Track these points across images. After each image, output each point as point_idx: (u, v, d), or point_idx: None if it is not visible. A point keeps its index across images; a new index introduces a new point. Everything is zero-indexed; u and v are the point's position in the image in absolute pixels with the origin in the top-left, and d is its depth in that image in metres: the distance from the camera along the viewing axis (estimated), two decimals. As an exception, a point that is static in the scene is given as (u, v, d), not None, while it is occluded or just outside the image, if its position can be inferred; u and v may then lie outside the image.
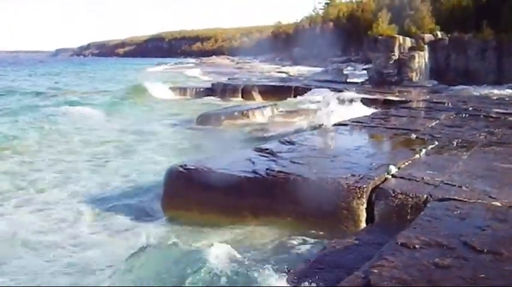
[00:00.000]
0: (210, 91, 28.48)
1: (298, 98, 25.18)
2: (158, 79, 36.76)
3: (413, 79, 30.56)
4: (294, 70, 53.51)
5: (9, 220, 7.69)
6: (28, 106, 23.57)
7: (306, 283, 4.68)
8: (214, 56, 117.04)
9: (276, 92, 26.61)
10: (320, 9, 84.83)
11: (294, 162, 7.94)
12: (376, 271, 3.96)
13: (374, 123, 12.48)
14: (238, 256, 5.43)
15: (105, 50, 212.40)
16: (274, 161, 8.06)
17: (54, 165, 11.56)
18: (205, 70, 56.96)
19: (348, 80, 35.77)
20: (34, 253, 6.47)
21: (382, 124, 12.40)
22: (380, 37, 32.58)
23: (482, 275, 3.89)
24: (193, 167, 7.84)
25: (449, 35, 35.02)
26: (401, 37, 32.24)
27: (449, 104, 17.79)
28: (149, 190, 8.97)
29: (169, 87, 30.19)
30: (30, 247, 6.62)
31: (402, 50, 31.42)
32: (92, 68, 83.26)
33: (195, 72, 54.41)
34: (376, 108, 18.27)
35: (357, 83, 33.04)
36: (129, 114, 20.93)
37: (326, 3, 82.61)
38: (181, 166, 7.98)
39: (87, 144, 14.16)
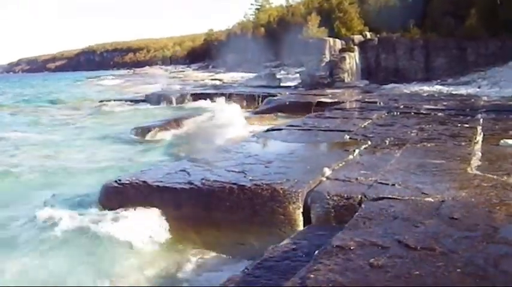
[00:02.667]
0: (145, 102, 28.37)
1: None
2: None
3: (346, 80, 31.02)
4: (228, 77, 53.64)
5: None
6: None
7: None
8: (147, 67, 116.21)
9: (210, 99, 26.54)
10: (251, 15, 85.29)
11: (229, 170, 7.92)
12: (312, 275, 3.96)
13: (308, 126, 12.57)
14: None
15: (36, 66, 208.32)
16: (209, 170, 8.02)
17: None
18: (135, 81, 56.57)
19: (282, 84, 36.08)
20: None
21: (315, 127, 12.50)
22: (311, 40, 33.01)
23: (417, 273, 3.94)
24: (127, 182, 7.74)
25: (378, 35, 35.74)
26: (331, 39, 32.71)
27: (381, 103, 18.14)
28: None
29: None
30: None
31: (333, 52, 31.86)
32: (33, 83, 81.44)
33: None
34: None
35: (290, 86, 33.31)
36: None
37: (256, 9, 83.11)
38: (115, 181, 7.88)
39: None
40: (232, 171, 7.86)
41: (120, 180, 7.87)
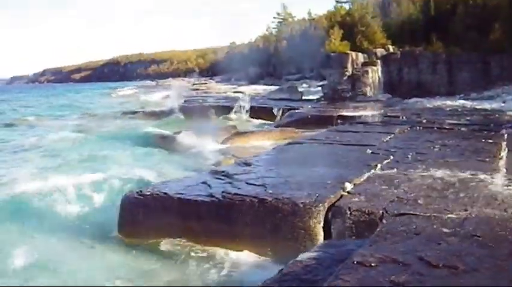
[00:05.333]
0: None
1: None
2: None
3: (368, 94, 30.88)
4: (250, 89, 53.62)
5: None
6: None
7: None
8: (170, 78, 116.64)
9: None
10: (273, 28, 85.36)
11: (250, 183, 7.90)
12: (333, 291, 3.93)
13: (329, 140, 12.52)
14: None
15: (61, 76, 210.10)
16: (230, 183, 8.01)
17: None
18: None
19: (303, 98, 36.00)
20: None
21: (337, 141, 12.44)
22: (333, 54, 32.90)
23: (439, 291, 3.89)
24: (149, 193, 7.77)
25: (400, 49, 35.58)
26: (353, 53, 32.60)
27: (404, 117, 18.02)
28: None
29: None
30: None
31: (355, 66, 31.77)
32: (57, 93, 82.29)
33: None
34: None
35: (312, 100, 33.24)
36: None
37: (279, 22, 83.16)
38: (137, 192, 7.91)
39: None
40: (253, 184, 7.84)
41: (141, 191, 7.90)
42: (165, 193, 7.69)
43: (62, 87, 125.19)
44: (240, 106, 27.37)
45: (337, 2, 65.22)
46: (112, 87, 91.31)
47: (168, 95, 45.91)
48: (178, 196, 7.57)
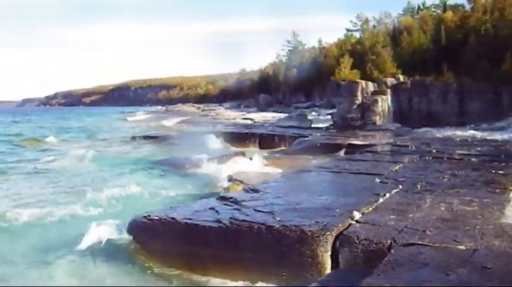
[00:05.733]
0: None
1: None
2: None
3: (377, 123, 30.89)
4: (259, 117, 53.72)
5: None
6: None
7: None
8: (180, 104, 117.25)
9: (240, 139, 26.50)
10: (283, 55, 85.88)
11: (257, 210, 7.86)
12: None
13: (338, 169, 12.48)
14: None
15: (72, 99, 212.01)
16: (238, 209, 7.98)
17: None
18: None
19: (313, 126, 36.01)
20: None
21: (346, 169, 12.39)
22: (343, 82, 33.02)
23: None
24: (156, 218, 7.75)
25: (411, 78, 35.67)
26: (363, 82, 32.71)
27: (413, 147, 17.96)
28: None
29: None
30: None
31: (365, 95, 31.84)
32: (69, 117, 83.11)
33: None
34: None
35: (321, 128, 33.26)
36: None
37: (289, 50, 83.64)
38: (145, 217, 7.89)
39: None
40: (261, 211, 7.80)
41: (149, 216, 7.88)
42: (173, 218, 7.66)
43: (74, 110, 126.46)
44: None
45: (347, 30, 65.98)
46: (123, 112, 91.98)
47: (182, 120, 46.63)
48: (186, 221, 7.54)
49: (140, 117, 69.06)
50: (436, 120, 31.78)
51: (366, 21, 61.86)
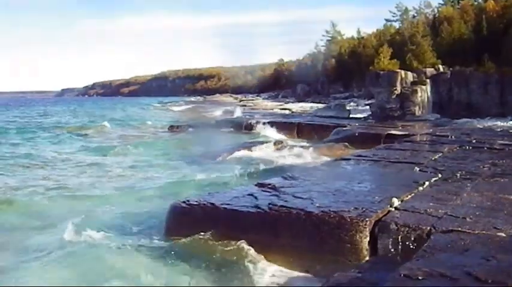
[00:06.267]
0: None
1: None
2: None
3: (416, 113, 30.60)
4: (297, 107, 53.67)
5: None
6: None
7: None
8: (218, 94, 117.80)
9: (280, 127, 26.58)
10: (322, 46, 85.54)
11: (296, 196, 7.90)
12: (379, 303, 3.91)
13: (377, 157, 12.43)
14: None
15: (110, 90, 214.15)
16: (276, 195, 8.02)
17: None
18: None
19: (351, 116, 35.84)
20: None
21: (385, 158, 12.33)
22: (382, 72, 32.73)
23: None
24: (195, 203, 7.84)
25: (451, 68, 35.22)
26: (403, 72, 32.40)
27: (453, 137, 17.75)
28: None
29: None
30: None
31: (404, 85, 31.54)
32: (115, 106, 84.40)
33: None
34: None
35: (359, 118, 33.10)
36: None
37: (328, 40, 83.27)
38: (183, 202, 7.99)
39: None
40: (300, 197, 7.83)
41: (188, 201, 7.98)
42: (212, 203, 7.74)
43: (114, 100, 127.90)
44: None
45: (386, 20, 65.38)
46: (162, 102, 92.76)
47: (226, 110, 47.17)
48: (224, 206, 7.62)
49: (183, 107, 69.61)
50: (476, 111, 31.37)
51: (406, 11, 61.17)
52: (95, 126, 35.59)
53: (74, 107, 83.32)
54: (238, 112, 41.45)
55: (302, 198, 7.80)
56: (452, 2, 60.14)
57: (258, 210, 7.33)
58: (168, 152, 20.03)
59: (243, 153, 17.79)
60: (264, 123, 27.34)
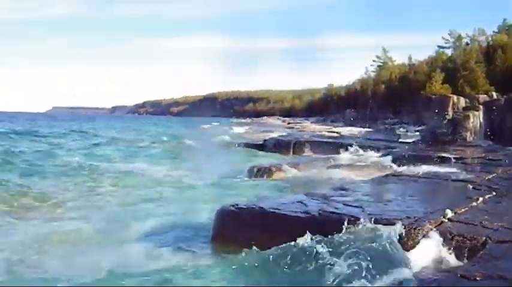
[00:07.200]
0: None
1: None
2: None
3: (468, 139, 30.01)
4: (345, 131, 53.35)
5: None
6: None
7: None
8: (266, 117, 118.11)
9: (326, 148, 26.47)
10: (372, 71, 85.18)
11: (347, 205, 7.80)
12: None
13: (428, 175, 12.22)
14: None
15: (160, 109, 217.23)
16: (326, 203, 7.93)
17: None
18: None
19: (400, 140, 35.40)
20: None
21: (436, 176, 12.12)
22: (433, 96, 32.35)
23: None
24: (244, 207, 7.81)
25: (505, 96, 34.56)
26: (455, 96, 31.92)
27: (506, 161, 17.35)
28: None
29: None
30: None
31: (456, 110, 31.04)
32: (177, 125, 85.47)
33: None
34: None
35: (409, 142, 32.65)
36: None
37: (378, 66, 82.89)
38: (232, 205, 7.96)
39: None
40: (350, 205, 7.73)
41: (237, 204, 7.95)
42: (261, 207, 7.70)
43: (165, 119, 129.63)
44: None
45: (439, 47, 64.76)
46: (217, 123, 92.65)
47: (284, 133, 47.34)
48: (274, 210, 7.57)
49: (242, 129, 69.58)
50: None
51: (459, 38, 60.50)
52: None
53: (144, 123, 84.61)
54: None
55: (352, 206, 7.72)
56: (507, 30, 59.26)
57: (308, 215, 7.27)
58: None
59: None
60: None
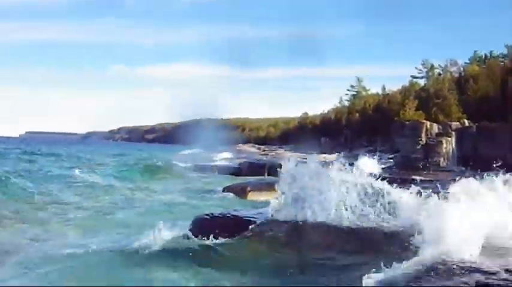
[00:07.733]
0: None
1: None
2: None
3: (441, 164, 30.37)
4: (321, 157, 53.61)
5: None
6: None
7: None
8: (240, 144, 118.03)
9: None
10: (346, 100, 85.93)
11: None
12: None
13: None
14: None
15: (135, 135, 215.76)
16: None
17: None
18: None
19: (373, 166, 35.51)
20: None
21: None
22: (407, 122, 32.74)
23: None
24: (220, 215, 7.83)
25: (476, 123, 35.10)
26: (428, 122, 32.43)
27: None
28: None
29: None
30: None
31: (429, 136, 31.41)
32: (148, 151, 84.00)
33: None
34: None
35: (383, 168, 32.78)
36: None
37: (352, 95, 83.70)
38: (206, 215, 7.96)
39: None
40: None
41: (212, 214, 7.94)
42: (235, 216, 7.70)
43: (141, 146, 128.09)
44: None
45: (412, 77, 65.63)
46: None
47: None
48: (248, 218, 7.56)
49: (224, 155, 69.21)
50: (502, 166, 30.98)
51: (432, 68, 61.46)
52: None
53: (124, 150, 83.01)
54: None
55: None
56: (478, 61, 60.24)
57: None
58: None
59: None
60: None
